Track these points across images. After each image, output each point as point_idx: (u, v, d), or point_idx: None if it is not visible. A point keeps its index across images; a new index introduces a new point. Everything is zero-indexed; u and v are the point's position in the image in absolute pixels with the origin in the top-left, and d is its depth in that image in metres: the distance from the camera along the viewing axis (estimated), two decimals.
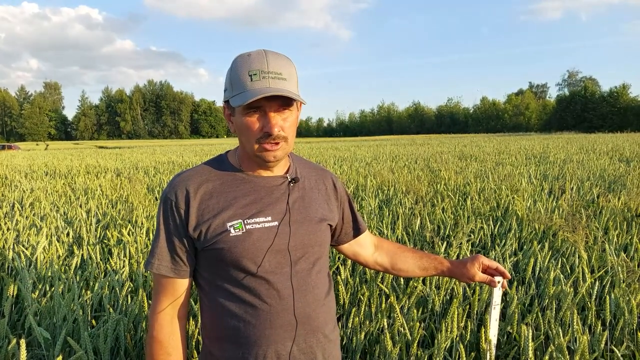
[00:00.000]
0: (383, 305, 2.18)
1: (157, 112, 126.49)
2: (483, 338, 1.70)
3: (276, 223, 0.97)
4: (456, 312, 1.83)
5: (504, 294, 2.40)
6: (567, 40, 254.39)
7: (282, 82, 0.91)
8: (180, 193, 0.97)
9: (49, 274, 2.76)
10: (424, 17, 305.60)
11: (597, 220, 3.83)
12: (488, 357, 1.31)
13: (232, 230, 0.94)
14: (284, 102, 0.92)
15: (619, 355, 1.76)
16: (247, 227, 0.95)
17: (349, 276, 2.59)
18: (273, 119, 0.92)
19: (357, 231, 1.22)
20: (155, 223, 1.00)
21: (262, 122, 0.92)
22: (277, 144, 0.94)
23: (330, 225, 1.10)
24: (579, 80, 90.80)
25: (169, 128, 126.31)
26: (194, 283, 1.06)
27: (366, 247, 1.26)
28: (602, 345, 1.83)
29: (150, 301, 2.28)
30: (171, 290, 1.00)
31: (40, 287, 2.56)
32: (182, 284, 1.01)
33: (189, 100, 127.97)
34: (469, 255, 3.03)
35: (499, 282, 1.22)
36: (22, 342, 1.38)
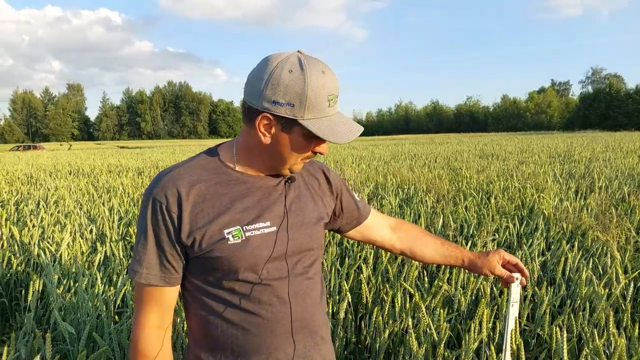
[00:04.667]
0: (407, 304, 2.13)
1: (177, 112, 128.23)
2: (513, 339, 1.64)
3: (274, 228, 0.92)
4: (485, 313, 1.77)
5: (532, 295, 2.32)
6: (590, 37, 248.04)
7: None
8: (170, 195, 0.87)
9: (73, 269, 2.80)
10: (440, 15, 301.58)
11: (629, 219, 3.69)
12: (506, 354, 1.26)
13: (231, 238, 0.88)
14: None
15: None
16: (247, 234, 0.89)
17: (371, 275, 2.55)
18: (326, 143, 0.92)
19: (360, 217, 1.17)
20: (138, 225, 0.92)
21: (314, 145, 0.92)
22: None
23: (325, 222, 1.06)
24: (603, 78, 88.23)
25: (188, 128, 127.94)
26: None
27: (376, 229, 1.20)
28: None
29: None
30: (159, 299, 0.91)
31: (64, 282, 2.60)
32: (172, 292, 0.93)
33: (207, 100, 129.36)
34: None
35: (517, 278, 1.19)
36: (48, 336, 1.38)
